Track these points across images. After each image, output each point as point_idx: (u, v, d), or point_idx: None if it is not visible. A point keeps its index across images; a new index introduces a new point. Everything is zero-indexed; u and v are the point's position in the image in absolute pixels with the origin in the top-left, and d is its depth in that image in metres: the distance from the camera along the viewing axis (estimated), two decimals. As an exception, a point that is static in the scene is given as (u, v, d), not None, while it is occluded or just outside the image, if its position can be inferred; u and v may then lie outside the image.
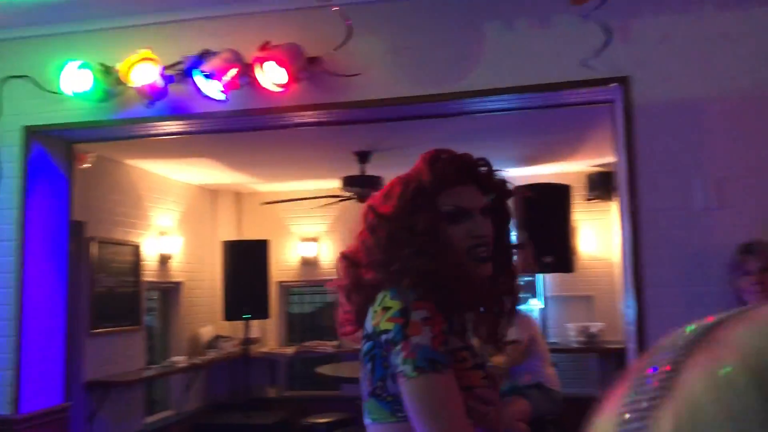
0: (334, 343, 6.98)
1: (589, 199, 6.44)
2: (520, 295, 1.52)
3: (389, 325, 1.29)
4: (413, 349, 1.24)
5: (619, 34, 2.86)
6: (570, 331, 6.44)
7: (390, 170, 5.68)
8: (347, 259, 1.47)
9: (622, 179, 3.00)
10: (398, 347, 1.26)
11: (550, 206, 5.43)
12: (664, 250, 2.81)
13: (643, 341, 2.78)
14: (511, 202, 1.55)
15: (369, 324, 1.35)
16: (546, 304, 6.82)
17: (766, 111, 2.81)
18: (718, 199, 2.78)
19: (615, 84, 2.88)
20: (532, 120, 4.53)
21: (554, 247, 5.45)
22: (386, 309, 1.31)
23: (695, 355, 0.35)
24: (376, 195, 1.49)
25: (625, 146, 2.90)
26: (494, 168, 1.48)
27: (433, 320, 1.27)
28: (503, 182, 1.50)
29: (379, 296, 1.34)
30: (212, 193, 7.53)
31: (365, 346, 1.36)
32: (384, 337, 1.30)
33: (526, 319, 4.76)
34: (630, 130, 2.86)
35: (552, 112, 3.85)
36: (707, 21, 2.85)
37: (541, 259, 5.34)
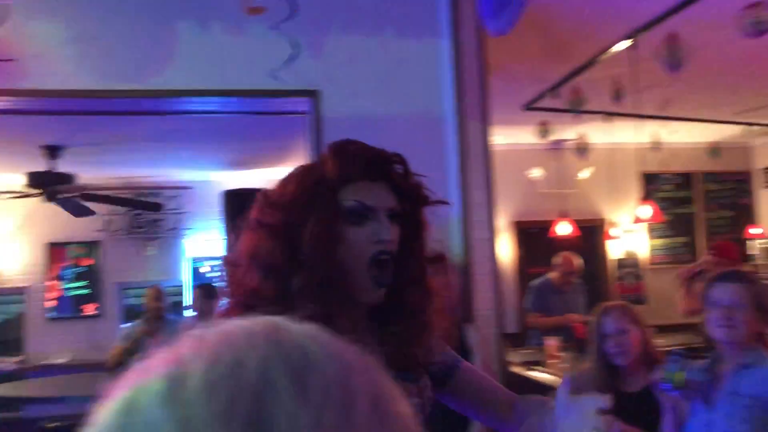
0: (17, 358, 6.23)
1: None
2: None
3: None
4: None
5: (310, 49, 2.96)
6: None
7: (85, 168, 5.29)
8: (232, 264, 1.23)
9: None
10: None
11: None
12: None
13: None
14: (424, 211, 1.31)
15: None
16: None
17: (436, 130, 3.12)
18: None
19: (306, 97, 2.98)
20: (240, 124, 4.51)
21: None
22: None
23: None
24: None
25: (315, 156, 3.01)
26: (411, 169, 1.27)
27: None
28: (420, 186, 1.28)
29: None
30: None
31: None
32: None
33: None
34: (319, 141, 2.98)
35: (260, 117, 3.87)
36: (390, 46, 3.09)
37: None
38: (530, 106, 5.53)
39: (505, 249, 7.58)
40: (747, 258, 7.43)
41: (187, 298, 6.77)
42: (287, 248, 1.14)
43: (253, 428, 0.35)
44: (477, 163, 3.11)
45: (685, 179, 7.94)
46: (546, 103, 5.36)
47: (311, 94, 2.96)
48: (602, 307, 2.97)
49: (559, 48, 4.39)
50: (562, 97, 4.97)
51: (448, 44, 3.12)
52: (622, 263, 7.75)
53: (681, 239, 7.91)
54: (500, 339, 3.07)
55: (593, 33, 4.11)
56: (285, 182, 1.22)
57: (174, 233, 7.24)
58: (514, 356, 4.98)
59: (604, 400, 1.10)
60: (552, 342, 4.81)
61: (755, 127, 6.84)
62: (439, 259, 1.34)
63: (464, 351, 2.81)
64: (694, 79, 4.99)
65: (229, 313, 1.15)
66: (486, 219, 3.12)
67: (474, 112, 3.12)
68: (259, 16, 2.83)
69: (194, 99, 3.11)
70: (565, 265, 5.98)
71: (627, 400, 2.81)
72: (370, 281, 1.18)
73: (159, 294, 5.34)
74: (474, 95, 3.14)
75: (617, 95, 4.44)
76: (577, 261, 5.93)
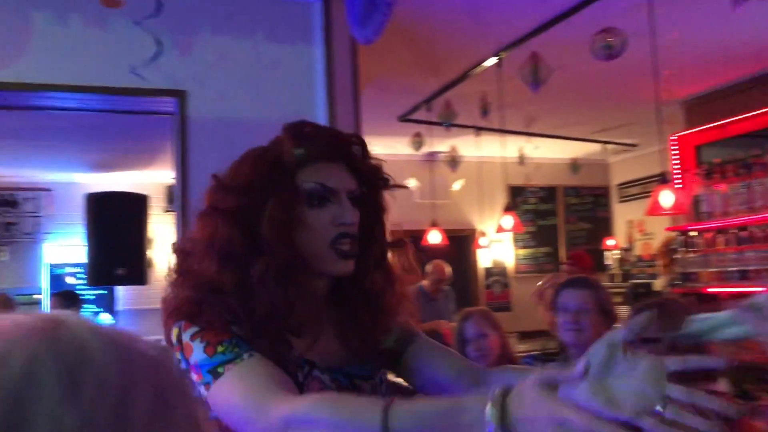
0: None
1: (167, 211, 6.38)
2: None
3: (177, 355, 1.10)
4: (196, 369, 1.06)
5: (176, 47, 2.87)
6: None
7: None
8: (184, 252, 1.16)
9: (177, 192, 3.01)
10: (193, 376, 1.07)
11: (125, 216, 5.22)
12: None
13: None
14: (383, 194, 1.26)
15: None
16: (118, 318, 6.53)
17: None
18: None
19: (171, 97, 2.88)
20: (103, 123, 4.29)
21: (128, 259, 5.25)
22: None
23: None
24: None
25: (180, 159, 2.91)
26: (369, 150, 1.21)
27: (205, 331, 1.07)
28: (379, 168, 1.23)
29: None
30: None
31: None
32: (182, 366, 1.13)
33: None
34: (184, 143, 2.89)
35: (125, 117, 3.70)
36: (262, 49, 3.06)
37: (113, 271, 5.10)
38: (404, 118, 5.65)
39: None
40: (603, 267, 7.96)
41: (45, 305, 6.34)
42: (246, 234, 1.09)
43: (8, 431, 0.33)
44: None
45: (548, 193, 8.40)
46: (420, 115, 5.50)
47: (177, 94, 2.87)
48: (464, 312, 3.07)
49: (432, 62, 4.52)
50: (435, 110, 5.12)
51: (321, 52, 3.12)
52: (490, 272, 8.07)
53: (544, 249, 8.35)
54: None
55: (464, 49, 4.26)
56: (238, 165, 1.15)
57: (31, 238, 6.77)
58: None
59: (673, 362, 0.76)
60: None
61: (611, 146, 7.36)
62: (400, 243, 1.30)
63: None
64: (556, 98, 5.31)
65: (180, 307, 1.10)
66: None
67: (347, 120, 3.14)
68: (121, 11, 2.71)
69: (49, 94, 2.92)
70: (435, 273, 6.11)
71: None
72: (335, 255, 1.12)
73: (7, 302, 4.96)
74: (347, 104, 3.16)
75: (484, 110, 4.63)
76: (448, 269, 6.09)
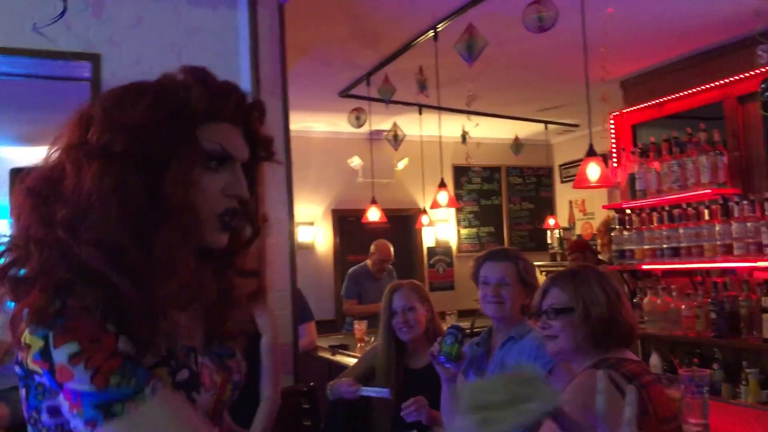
0: None
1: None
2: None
3: (36, 369, 0.90)
4: (74, 398, 0.87)
5: (89, 7, 2.72)
6: None
7: None
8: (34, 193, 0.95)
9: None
10: (60, 397, 0.90)
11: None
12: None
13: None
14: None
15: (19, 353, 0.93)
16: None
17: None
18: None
19: (83, 60, 2.73)
20: (18, 90, 4.07)
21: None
22: (27, 346, 0.90)
23: None
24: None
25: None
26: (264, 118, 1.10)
27: (89, 352, 0.87)
28: (272, 140, 1.12)
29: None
30: None
31: (18, 369, 0.95)
32: (38, 379, 0.92)
33: None
34: (99, 109, 2.74)
35: (43, 85, 3.50)
36: (181, 11, 2.92)
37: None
38: (345, 93, 5.55)
39: (325, 236, 7.60)
40: (545, 246, 8.04)
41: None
42: (147, 187, 0.92)
43: None
44: (275, 141, 3.02)
45: (491, 173, 8.43)
46: (360, 91, 5.41)
47: (90, 57, 2.72)
48: (393, 284, 3.03)
49: (370, 35, 4.43)
50: (375, 85, 5.04)
51: (246, 16, 3.01)
52: (433, 251, 8.08)
53: (487, 228, 8.39)
54: (294, 320, 3.02)
55: (401, 21, 4.18)
56: (132, 100, 0.95)
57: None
58: (325, 342, 4.99)
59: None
60: (360, 327, 4.86)
61: (553, 126, 7.40)
62: (265, 220, 1.19)
63: (252, 335, 2.72)
64: (497, 76, 5.28)
65: (40, 299, 0.89)
66: (284, 199, 3.05)
67: (273, 88, 3.04)
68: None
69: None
70: (379, 252, 6.07)
71: (413, 376, 2.89)
72: (218, 225, 1.01)
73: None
74: (274, 72, 3.05)
75: (422, 85, 4.57)
76: (391, 248, 6.07)
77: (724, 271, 4.22)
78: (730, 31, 4.35)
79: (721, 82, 4.51)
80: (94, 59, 2.72)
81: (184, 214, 0.94)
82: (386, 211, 6.31)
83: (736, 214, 4.06)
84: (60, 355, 0.86)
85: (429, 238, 8.05)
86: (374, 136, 6.73)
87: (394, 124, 6.02)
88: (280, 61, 3.06)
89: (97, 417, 0.86)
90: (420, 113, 6.13)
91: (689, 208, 4.35)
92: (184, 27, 2.92)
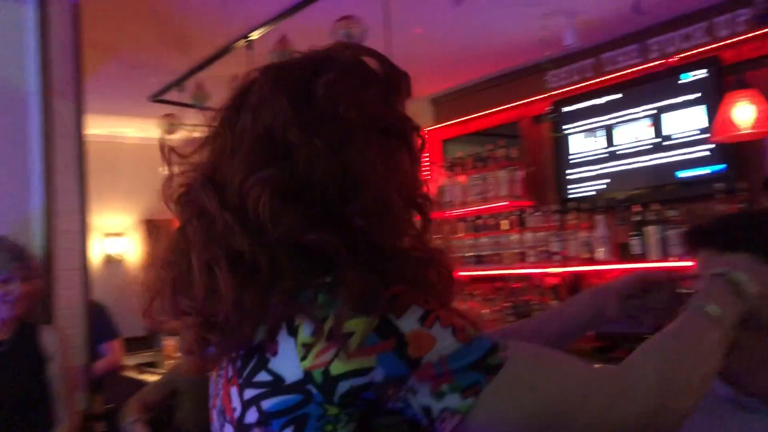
0: None
1: None
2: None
3: (362, 363, 0.72)
4: (439, 370, 0.71)
5: None
6: None
7: None
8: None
9: None
10: (409, 384, 0.72)
11: None
12: None
13: None
14: None
15: (282, 364, 0.75)
16: None
17: (17, 105, 2.76)
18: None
19: None
20: None
21: None
22: (336, 338, 0.71)
23: None
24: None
25: None
26: None
27: (433, 309, 0.74)
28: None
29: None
30: None
31: (269, 405, 0.75)
32: (354, 383, 0.72)
33: None
34: None
35: None
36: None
37: None
38: (156, 99, 5.31)
39: (135, 247, 7.21)
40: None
41: None
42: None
43: None
44: (66, 146, 2.81)
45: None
46: (173, 96, 5.20)
47: None
48: None
49: (182, 40, 4.27)
50: (188, 91, 4.87)
51: (34, 11, 2.77)
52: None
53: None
54: (87, 338, 2.82)
55: (214, 28, 4.08)
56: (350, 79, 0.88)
57: None
58: (132, 359, 4.73)
59: None
60: (169, 342, 4.66)
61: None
62: None
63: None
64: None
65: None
66: (76, 209, 2.84)
67: (65, 90, 2.82)
68: None
69: None
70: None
71: None
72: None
73: None
74: (65, 72, 2.84)
75: (201, 99, 4.50)
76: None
77: (520, 277, 4.57)
78: (527, 56, 4.73)
79: (518, 103, 4.89)
80: None
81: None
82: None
83: (530, 225, 4.41)
84: (408, 323, 0.73)
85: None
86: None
87: (211, 133, 5.85)
88: (73, 61, 2.85)
89: (478, 378, 0.72)
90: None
91: (490, 219, 4.66)
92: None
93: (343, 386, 0.73)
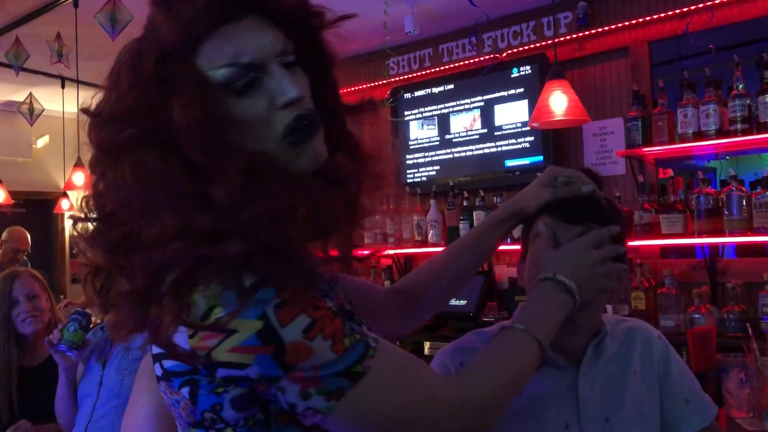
0: None
1: None
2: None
3: (241, 359, 0.74)
4: (310, 376, 0.74)
5: None
6: None
7: None
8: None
9: None
10: (280, 383, 0.75)
11: None
12: None
13: None
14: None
15: (177, 333, 0.76)
16: None
17: None
18: None
19: None
20: None
21: None
22: (222, 329, 0.73)
23: None
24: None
25: None
26: None
27: (319, 318, 0.76)
28: (306, 3, 0.90)
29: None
30: None
31: (169, 365, 0.81)
32: (231, 373, 0.76)
33: None
34: None
35: None
36: None
37: None
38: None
39: None
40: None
41: None
42: (182, 162, 0.77)
43: None
44: None
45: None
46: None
47: None
48: (10, 271, 2.77)
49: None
50: (3, 49, 4.42)
51: None
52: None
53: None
54: None
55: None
56: (113, 84, 0.82)
57: None
58: None
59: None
60: None
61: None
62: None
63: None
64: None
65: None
66: None
67: None
68: None
69: None
70: (13, 241, 5.49)
71: (30, 374, 2.63)
72: (289, 150, 0.83)
73: None
74: None
75: (59, 53, 4.14)
76: (28, 237, 5.48)
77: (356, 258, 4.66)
78: (370, 41, 4.79)
79: (364, 86, 4.95)
80: None
81: (228, 164, 0.77)
82: (22, 194, 5.59)
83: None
84: (291, 333, 0.74)
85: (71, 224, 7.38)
86: (5, 107, 5.93)
87: (30, 96, 5.38)
88: None
89: (342, 384, 0.77)
90: (63, 87, 5.57)
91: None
92: None
93: (221, 372, 0.77)
